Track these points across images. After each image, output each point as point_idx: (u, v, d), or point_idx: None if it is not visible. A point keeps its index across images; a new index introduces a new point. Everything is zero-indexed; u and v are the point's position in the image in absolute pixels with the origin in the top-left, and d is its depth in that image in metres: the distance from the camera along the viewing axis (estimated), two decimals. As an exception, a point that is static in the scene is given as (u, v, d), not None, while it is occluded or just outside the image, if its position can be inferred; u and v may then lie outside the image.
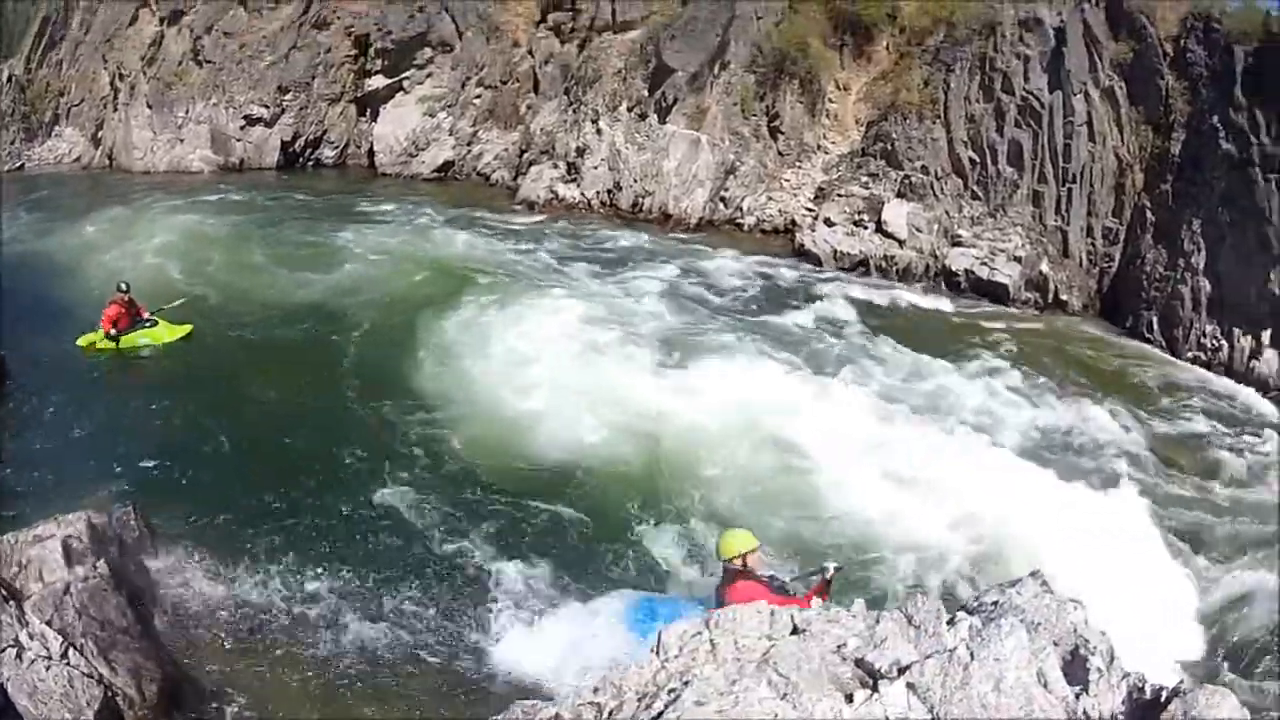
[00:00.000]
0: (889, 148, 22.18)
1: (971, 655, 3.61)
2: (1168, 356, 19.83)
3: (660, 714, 3.23)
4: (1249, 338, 20.56)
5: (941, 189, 21.29)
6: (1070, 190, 21.35)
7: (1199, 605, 10.48)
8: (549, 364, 13.63)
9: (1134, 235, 21.09)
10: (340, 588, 8.17)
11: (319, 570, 8.38)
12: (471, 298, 16.60)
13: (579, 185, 25.75)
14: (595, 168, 25.61)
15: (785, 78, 24.10)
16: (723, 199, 23.59)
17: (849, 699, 3.37)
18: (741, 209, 23.18)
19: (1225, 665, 9.64)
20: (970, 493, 10.82)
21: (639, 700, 3.47)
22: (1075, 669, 3.91)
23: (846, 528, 10.08)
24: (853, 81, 24.27)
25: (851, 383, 14.02)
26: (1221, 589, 10.86)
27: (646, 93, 25.45)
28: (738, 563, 6.04)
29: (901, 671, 3.52)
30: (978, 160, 21.67)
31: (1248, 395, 19.64)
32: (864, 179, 21.93)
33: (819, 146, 23.08)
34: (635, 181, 24.77)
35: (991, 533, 10.30)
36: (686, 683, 3.38)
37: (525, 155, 27.66)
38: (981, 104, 22.28)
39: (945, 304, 19.54)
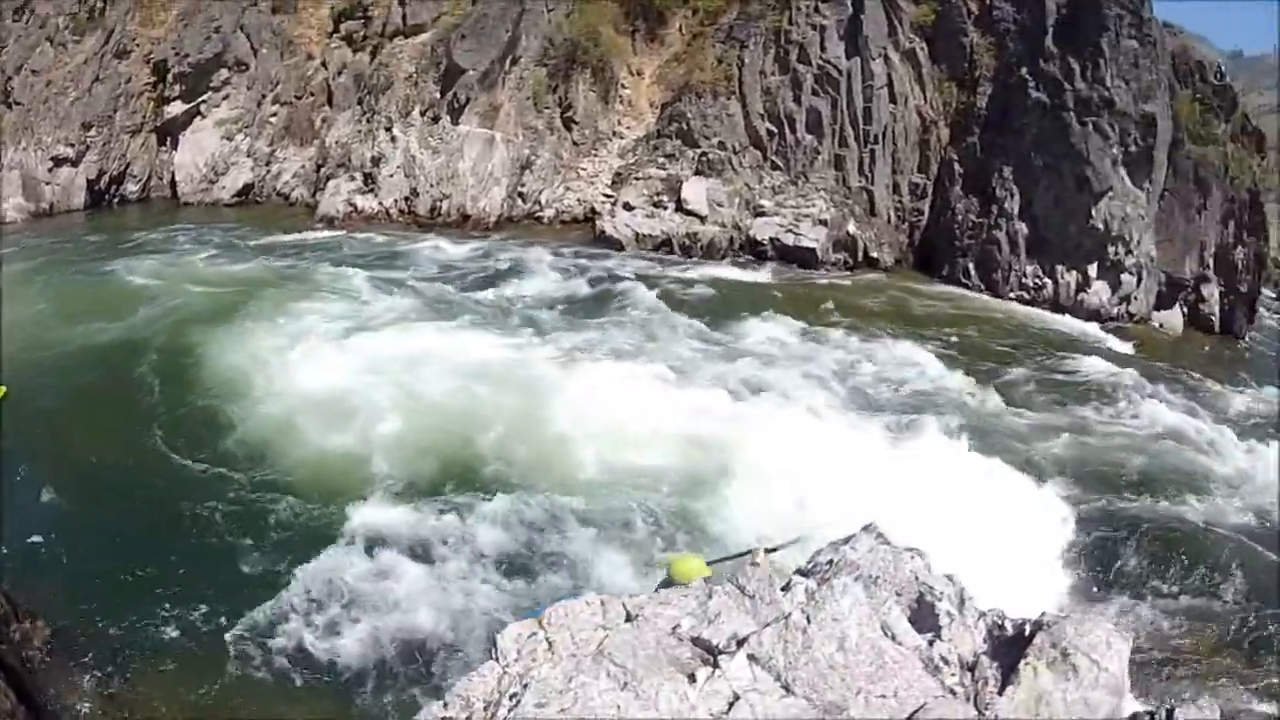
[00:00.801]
0: (684, 127, 21.16)
1: (808, 619, 3.66)
2: (989, 298, 19.58)
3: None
4: (1074, 273, 20.23)
5: (740, 163, 20.30)
6: (873, 151, 20.70)
7: (1058, 540, 10.17)
8: (350, 380, 12.28)
9: (943, 188, 20.64)
10: (192, 620, 7.87)
11: (173, 609, 8.00)
12: (256, 320, 15.07)
13: (376, 195, 24.01)
14: (391, 176, 23.94)
15: (577, 68, 23.00)
16: (520, 194, 22.13)
17: (691, 679, 3.34)
18: (540, 203, 21.77)
19: (1087, 595, 9.47)
20: (799, 451, 10.22)
21: (485, 709, 3.39)
22: (924, 617, 3.94)
23: (689, 501, 9.57)
24: (646, 66, 23.35)
25: (658, 360, 13.16)
26: (1078, 522, 10.60)
27: (439, 95, 23.94)
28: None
29: (740, 644, 3.51)
30: (776, 131, 20.92)
31: (1079, 326, 19.40)
32: (661, 160, 20.81)
33: (614, 133, 21.93)
34: (432, 186, 23.18)
35: (825, 491, 9.46)
36: (526, 685, 3.33)
37: (322, 170, 25.72)
38: (778, 76, 21.60)
39: (753, 274, 18.99)
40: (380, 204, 24.14)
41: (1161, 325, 20.95)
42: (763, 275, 18.72)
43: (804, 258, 19.11)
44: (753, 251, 19.46)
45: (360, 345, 13.30)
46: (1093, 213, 20.14)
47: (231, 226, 24.46)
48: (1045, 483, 11.43)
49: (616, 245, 20.13)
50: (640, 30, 24.01)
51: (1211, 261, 22.52)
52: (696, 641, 3.56)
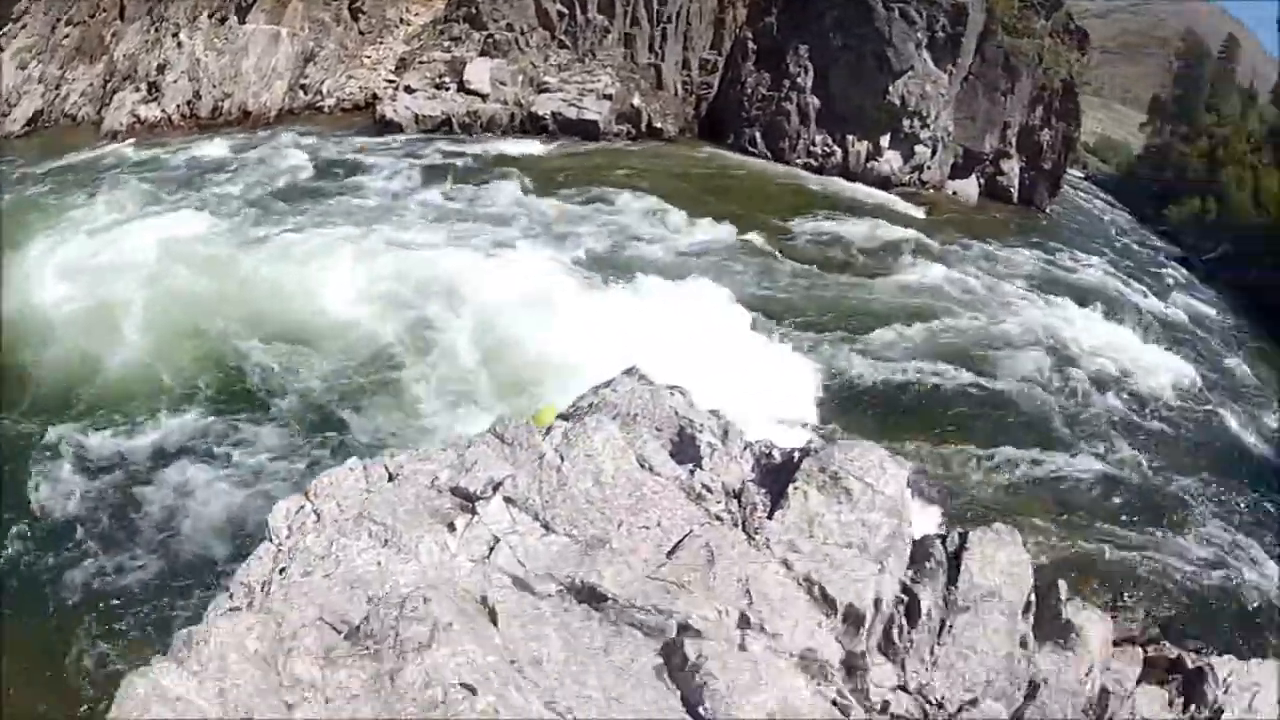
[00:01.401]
0: (473, 11, 20.62)
1: (562, 458, 3.61)
2: (773, 165, 19.53)
3: (271, 596, 3.05)
4: (865, 143, 20.36)
5: (527, 43, 19.85)
6: (665, 30, 20.47)
7: (817, 388, 10.49)
8: (136, 284, 11.40)
9: (735, 64, 20.62)
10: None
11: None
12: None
13: (159, 103, 22.69)
14: (175, 82, 22.70)
15: (369, -41, 21.95)
16: (303, 86, 21.28)
17: (451, 528, 3.29)
18: (322, 92, 20.96)
19: (842, 426, 9.73)
20: (568, 312, 10.18)
21: (262, 589, 3.20)
22: (685, 449, 4.01)
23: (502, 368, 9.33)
24: None
25: (430, 229, 13.15)
26: (849, 372, 11.01)
27: (224, -7, 22.65)
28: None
29: (496, 488, 3.44)
30: (566, 12, 20.63)
31: (867, 191, 19.56)
32: (447, 44, 20.25)
33: (402, 20, 21.20)
34: (215, 87, 22.08)
35: (592, 342, 9.35)
36: (293, 558, 3.24)
37: (109, 85, 24.20)
38: (572, -42, 20.93)
39: (533, 146, 18.77)
40: (163, 111, 22.94)
41: (955, 193, 21.27)
42: (540, 147, 18.57)
43: (586, 130, 18.95)
44: (535, 127, 19.05)
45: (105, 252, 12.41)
46: (890, 89, 20.31)
47: (16, 156, 22.91)
48: (815, 335, 11.68)
49: (396, 128, 19.65)
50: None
51: (1015, 140, 23.04)
52: (455, 491, 3.53)
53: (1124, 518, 9.47)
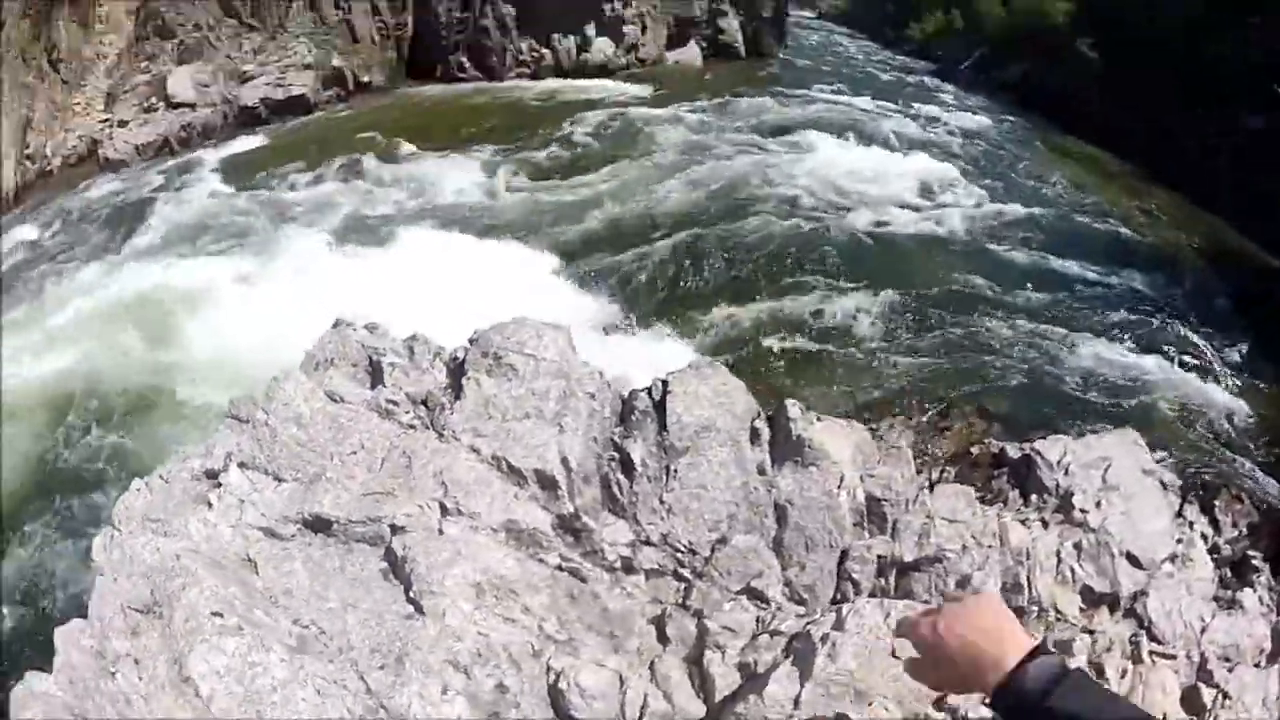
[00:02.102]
0: (160, 23, 20.55)
1: (266, 413, 4.01)
2: (489, 84, 20.08)
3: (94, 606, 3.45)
4: (572, 37, 21.09)
5: (218, 37, 19.96)
6: (347, -18, 20.57)
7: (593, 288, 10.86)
8: None
9: None
10: None
11: None
12: None
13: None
14: (-92, 191, 21.98)
15: (56, 3, 21.55)
16: (28, 157, 20.74)
17: (209, 505, 3.74)
18: (47, 155, 20.45)
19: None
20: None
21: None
22: (376, 376, 4.33)
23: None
24: None
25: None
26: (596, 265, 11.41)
27: (-76, 90, 22.02)
28: None
29: (229, 459, 3.94)
30: None
31: (588, 84, 20.14)
32: (144, 64, 20.23)
33: (99, 55, 20.88)
34: (-53, 185, 21.38)
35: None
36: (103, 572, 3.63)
37: None
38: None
39: (252, 140, 19.10)
40: (-94, 223, 22.21)
41: (678, 62, 22.20)
42: (257, 139, 18.95)
43: (298, 106, 19.34)
44: (250, 118, 19.18)
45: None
46: (585, -23, 20.84)
47: None
48: (567, 243, 11.93)
49: (122, 165, 19.44)
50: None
51: (728, -2, 23.89)
52: (207, 474, 3.87)
53: (908, 335, 9.81)
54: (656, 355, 8.62)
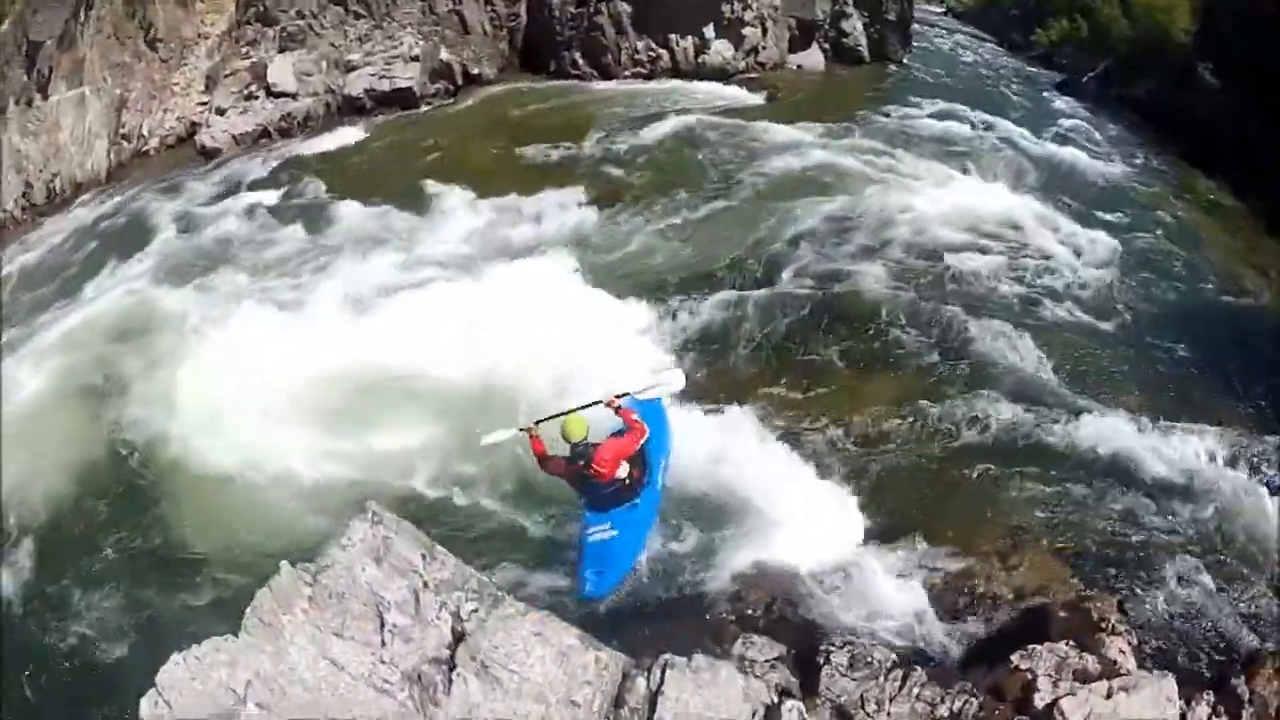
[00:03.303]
0: (262, 8, 19.91)
1: (280, 652, 4.59)
2: (603, 84, 19.14)
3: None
4: (690, 38, 19.95)
5: (322, 25, 19.26)
6: (457, -30, 19.64)
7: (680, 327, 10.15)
8: None
9: None
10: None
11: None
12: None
13: (-1, 203, 21.87)
14: (5, 179, 21.94)
15: (151, -18, 21.04)
16: (124, 137, 20.40)
17: None
18: (145, 135, 20.03)
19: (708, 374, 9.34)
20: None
21: None
22: (381, 628, 4.67)
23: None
24: None
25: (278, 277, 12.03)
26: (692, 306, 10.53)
27: (25, 77, 21.88)
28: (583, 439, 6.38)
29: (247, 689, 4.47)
30: None
31: (705, 88, 19.01)
32: (245, 50, 19.63)
33: (200, 35, 20.37)
34: (41, 171, 21.33)
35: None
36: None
37: (-55, 195, 23.38)
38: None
39: (353, 133, 18.16)
40: (4, 211, 22.22)
41: (800, 67, 20.81)
42: (367, 128, 17.99)
43: (403, 99, 18.81)
44: (352, 109, 18.46)
45: None
46: (709, -20, 19.59)
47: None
48: (668, 280, 10.99)
49: (218, 154, 19.02)
50: (199, -80, 22.07)
51: (851, -2, 22.33)
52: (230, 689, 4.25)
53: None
54: (742, 450, 7.72)
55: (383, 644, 4.34)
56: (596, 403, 6.52)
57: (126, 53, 21.51)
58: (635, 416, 6.48)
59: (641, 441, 6.39)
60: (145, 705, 4.06)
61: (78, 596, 7.13)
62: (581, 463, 6.22)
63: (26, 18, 22.47)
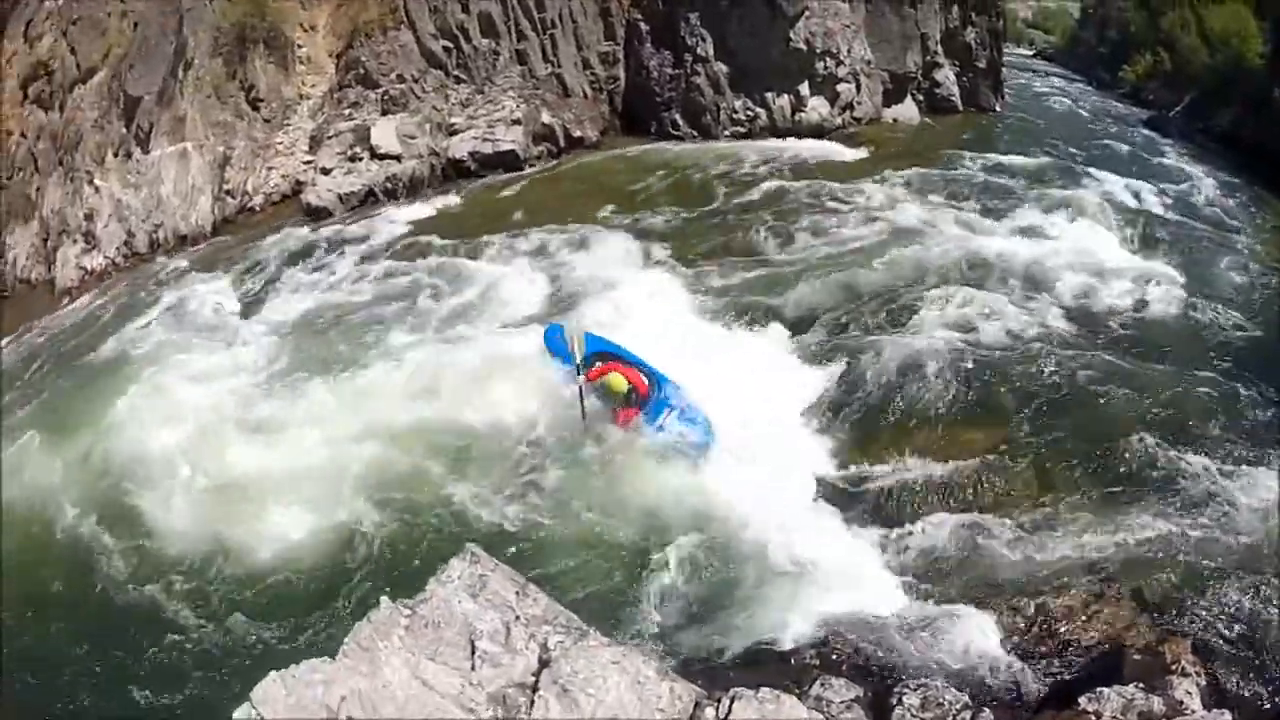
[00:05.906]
0: (362, 72, 20.38)
1: (365, 676, 4.67)
2: (703, 144, 19.12)
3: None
4: (786, 96, 19.86)
5: (423, 88, 19.53)
6: (553, 35, 20.05)
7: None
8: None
9: (634, 50, 20.35)
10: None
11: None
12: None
13: (99, 250, 22.56)
14: (106, 228, 22.61)
15: (250, 45, 21.75)
16: (228, 193, 21.08)
17: None
18: (248, 192, 20.62)
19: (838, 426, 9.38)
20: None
21: None
22: (468, 655, 4.77)
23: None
24: (317, 18, 22.34)
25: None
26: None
27: (125, 129, 22.60)
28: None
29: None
30: (452, 46, 20.53)
31: (803, 146, 19.06)
32: (347, 111, 19.98)
33: (301, 95, 20.92)
34: (143, 221, 21.94)
35: None
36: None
37: (49, 244, 24.22)
38: (440, -9, 20.58)
39: (458, 195, 18.58)
40: (105, 257, 22.86)
41: (896, 120, 20.69)
42: (470, 193, 18.27)
43: (507, 161, 18.91)
44: (456, 171, 18.76)
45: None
46: (791, 35, 19.85)
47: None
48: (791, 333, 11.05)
49: (324, 213, 19.24)
50: (302, -14, 22.71)
51: (939, 48, 22.23)
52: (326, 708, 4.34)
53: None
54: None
55: (472, 668, 4.51)
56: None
57: (228, 111, 22.12)
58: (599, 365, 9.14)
59: (608, 376, 8.96)
60: (238, 715, 4.14)
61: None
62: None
63: (123, 71, 23.22)
